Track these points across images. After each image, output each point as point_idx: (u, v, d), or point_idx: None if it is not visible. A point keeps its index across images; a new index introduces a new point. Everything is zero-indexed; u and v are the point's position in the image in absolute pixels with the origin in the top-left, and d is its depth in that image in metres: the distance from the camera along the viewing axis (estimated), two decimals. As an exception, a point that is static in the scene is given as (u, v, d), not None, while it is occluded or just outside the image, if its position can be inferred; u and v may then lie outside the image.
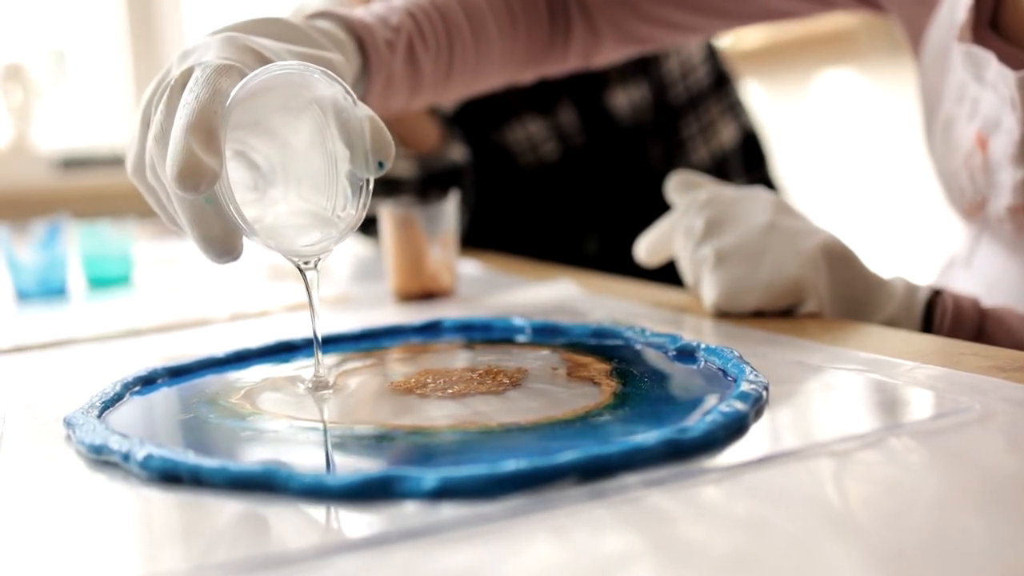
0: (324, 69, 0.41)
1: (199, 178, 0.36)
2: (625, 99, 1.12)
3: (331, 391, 0.44)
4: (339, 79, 0.41)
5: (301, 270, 0.43)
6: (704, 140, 1.16)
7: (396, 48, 0.59)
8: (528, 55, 0.72)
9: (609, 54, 0.77)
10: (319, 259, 0.43)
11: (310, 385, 0.45)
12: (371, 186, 0.42)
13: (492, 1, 0.68)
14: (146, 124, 0.43)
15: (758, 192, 0.58)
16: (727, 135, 1.17)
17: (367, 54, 0.57)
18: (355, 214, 0.42)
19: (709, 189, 0.60)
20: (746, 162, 1.18)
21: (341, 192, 0.43)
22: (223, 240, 0.39)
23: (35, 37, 2.69)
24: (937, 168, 0.65)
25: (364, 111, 0.41)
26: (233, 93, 0.39)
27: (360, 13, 0.58)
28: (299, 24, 0.51)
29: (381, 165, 0.41)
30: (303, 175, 0.44)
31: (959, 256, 0.68)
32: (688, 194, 0.61)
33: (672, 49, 1.14)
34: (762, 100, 2.34)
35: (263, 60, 0.43)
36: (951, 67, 0.59)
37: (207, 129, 0.37)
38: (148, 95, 0.44)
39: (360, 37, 0.56)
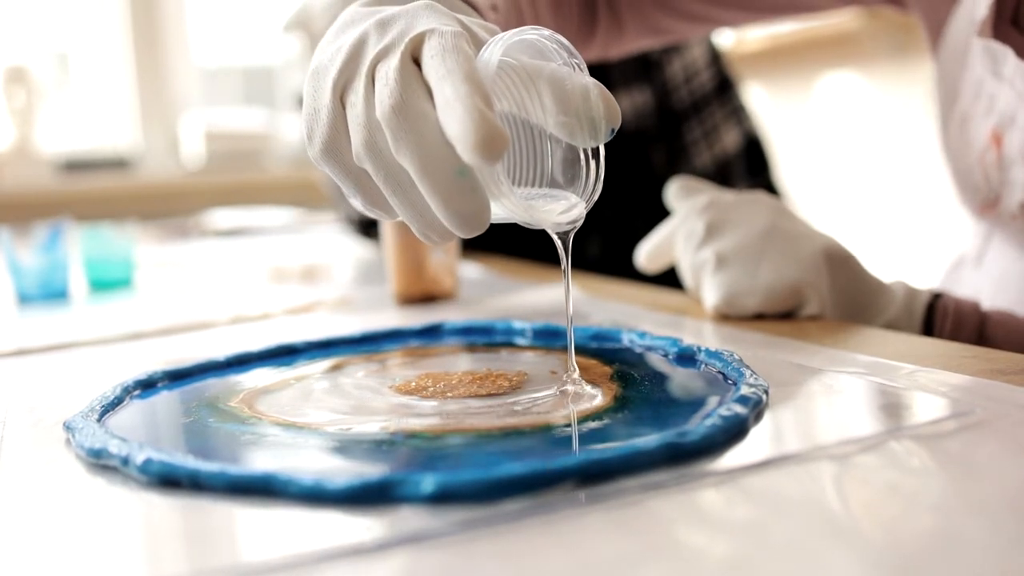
0: (560, 36, 0.39)
1: (502, 145, 0.34)
2: (628, 103, 1.12)
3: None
4: (570, 46, 0.39)
5: (557, 242, 0.42)
6: (707, 145, 1.16)
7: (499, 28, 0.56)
8: None
9: (628, 45, 0.77)
10: (574, 228, 0.42)
11: (566, 381, 0.43)
12: (603, 152, 0.41)
13: None
14: (340, 99, 0.39)
15: (758, 196, 0.58)
16: (730, 140, 1.17)
17: None
18: (595, 184, 0.41)
19: (709, 194, 0.60)
20: (749, 167, 1.18)
21: (557, 163, 0.42)
22: (478, 215, 0.36)
23: (38, 39, 2.70)
24: (951, 165, 0.65)
25: (589, 79, 0.39)
26: (493, 59, 0.37)
27: None
28: None
29: (613, 131, 0.39)
30: None
31: (969, 255, 0.68)
32: (688, 199, 0.61)
33: (675, 54, 1.14)
34: (764, 102, 2.34)
35: (467, 30, 0.40)
36: (969, 64, 0.60)
37: (487, 95, 0.35)
38: (338, 66, 0.39)
39: (478, 10, 0.51)
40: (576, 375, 0.43)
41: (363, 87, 0.38)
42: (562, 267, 0.43)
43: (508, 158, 0.42)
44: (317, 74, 0.40)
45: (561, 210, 0.41)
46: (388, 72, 0.37)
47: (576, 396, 0.41)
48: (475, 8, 0.51)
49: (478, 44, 0.39)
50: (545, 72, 0.39)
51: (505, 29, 0.56)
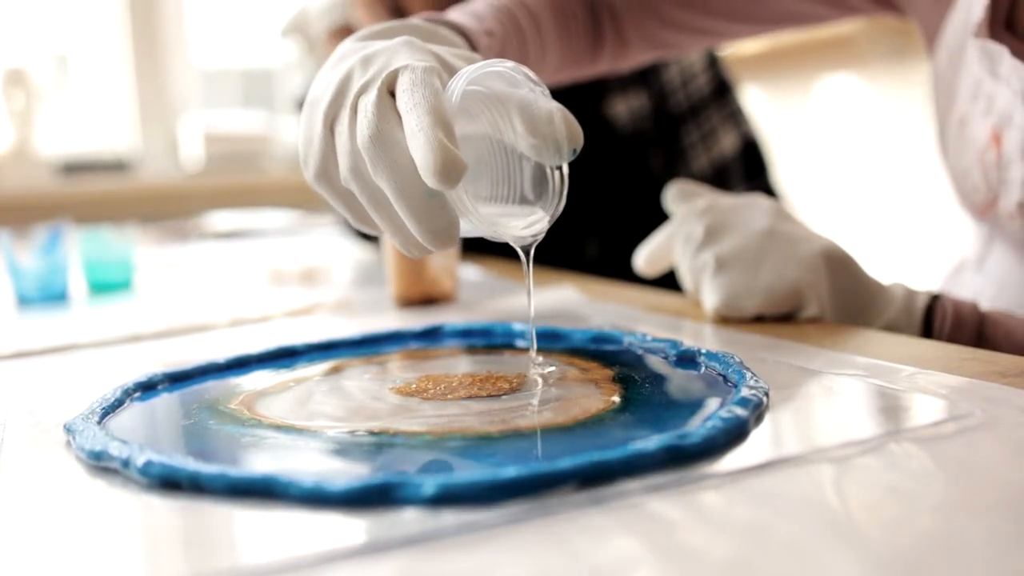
0: (524, 67, 0.43)
1: (459, 171, 0.37)
2: (624, 107, 1.12)
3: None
4: (534, 75, 0.43)
5: (521, 253, 0.46)
6: (705, 148, 1.16)
7: (493, 53, 0.58)
8: (571, 61, 0.73)
9: (635, 59, 0.79)
10: (536, 241, 0.45)
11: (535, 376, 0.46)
12: (566, 171, 0.45)
13: (552, 9, 0.68)
14: (330, 129, 0.44)
15: (757, 199, 0.58)
16: (728, 143, 1.17)
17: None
18: (558, 199, 0.45)
19: (708, 197, 0.60)
20: (747, 170, 1.18)
21: (527, 180, 0.46)
22: (447, 231, 0.40)
23: (37, 42, 2.70)
24: (950, 168, 0.65)
25: (553, 104, 0.43)
26: (457, 91, 0.41)
27: (457, 16, 0.57)
28: (432, 27, 0.51)
29: (575, 151, 0.43)
30: (474, 169, 0.46)
31: (970, 259, 0.68)
32: (686, 203, 0.61)
33: (673, 57, 1.14)
34: (763, 105, 2.34)
35: (443, 63, 0.44)
36: (966, 66, 0.60)
37: (448, 125, 0.39)
38: (327, 99, 0.43)
39: (471, 42, 0.55)
40: (539, 359, 0.47)
41: (348, 118, 0.42)
42: (523, 270, 0.47)
43: (487, 175, 0.46)
44: (312, 105, 0.45)
45: (523, 225, 0.45)
46: (367, 105, 0.41)
47: (548, 377, 0.45)
48: (467, 35, 0.53)
49: (453, 74, 0.42)
50: (515, 99, 0.43)
51: (502, 54, 0.59)
